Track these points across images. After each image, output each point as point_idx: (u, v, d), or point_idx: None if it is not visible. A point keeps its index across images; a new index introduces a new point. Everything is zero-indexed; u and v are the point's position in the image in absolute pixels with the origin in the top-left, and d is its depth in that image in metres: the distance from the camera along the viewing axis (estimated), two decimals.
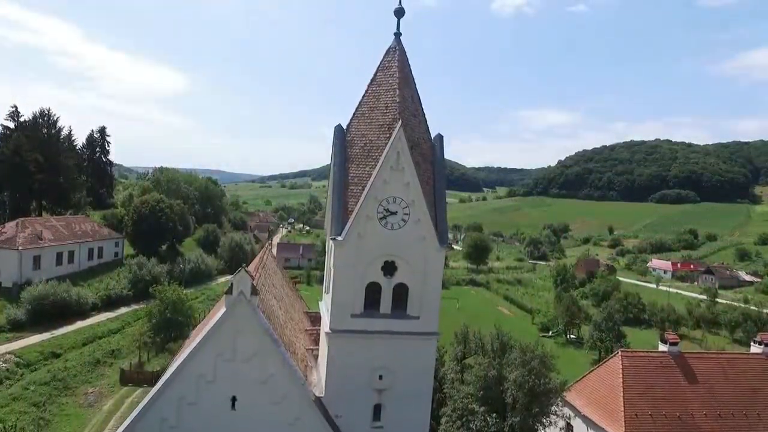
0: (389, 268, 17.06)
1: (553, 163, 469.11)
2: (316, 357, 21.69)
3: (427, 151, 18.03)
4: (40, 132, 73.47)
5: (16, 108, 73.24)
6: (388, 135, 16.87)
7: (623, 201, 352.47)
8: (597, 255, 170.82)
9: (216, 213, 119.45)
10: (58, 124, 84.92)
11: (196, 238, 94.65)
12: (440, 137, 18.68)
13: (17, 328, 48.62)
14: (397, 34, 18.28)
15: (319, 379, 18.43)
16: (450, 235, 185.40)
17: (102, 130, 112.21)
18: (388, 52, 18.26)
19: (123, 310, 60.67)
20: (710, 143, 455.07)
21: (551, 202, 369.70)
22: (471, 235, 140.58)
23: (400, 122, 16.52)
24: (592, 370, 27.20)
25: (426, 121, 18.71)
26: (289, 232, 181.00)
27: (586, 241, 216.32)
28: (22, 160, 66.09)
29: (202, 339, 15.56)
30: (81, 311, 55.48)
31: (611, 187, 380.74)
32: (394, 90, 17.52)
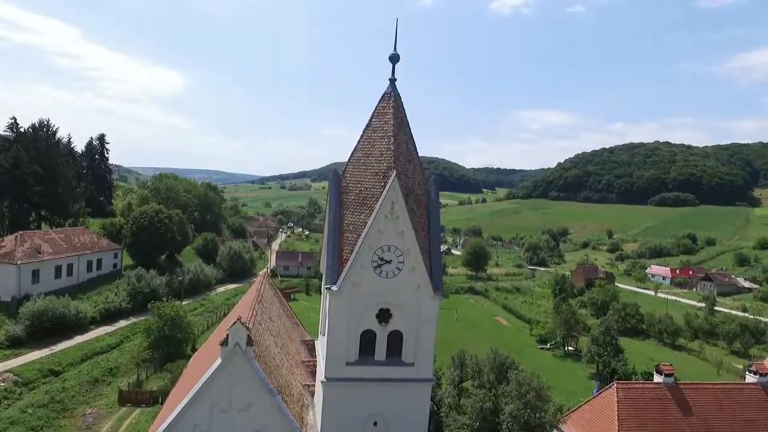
0: (384, 316, 17.19)
1: (552, 164, 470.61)
2: (312, 393, 21.82)
3: (421, 196, 18.14)
4: (39, 143, 73.45)
5: (15, 120, 73.67)
6: (383, 183, 17.00)
7: (622, 204, 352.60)
8: (596, 260, 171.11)
9: (215, 220, 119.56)
10: (57, 135, 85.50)
11: (195, 246, 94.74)
12: (435, 180, 18.84)
13: (16, 344, 48.76)
14: (392, 80, 18.41)
15: (315, 422, 18.56)
16: (449, 239, 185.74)
17: (101, 138, 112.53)
18: (383, 98, 18.38)
19: (122, 323, 60.82)
20: (709, 145, 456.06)
21: (550, 205, 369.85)
22: (470, 241, 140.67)
23: (394, 172, 16.63)
24: (588, 401, 27.31)
25: (421, 166, 18.82)
26: (289, 237, 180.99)
27: (585, 245, 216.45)
28: (21, 173, 66.21)
29: (197, 390, 15.67)
30: (80, 326, 55.70)
31: (610, 190, 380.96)
32: (389, 137, 17.64)
